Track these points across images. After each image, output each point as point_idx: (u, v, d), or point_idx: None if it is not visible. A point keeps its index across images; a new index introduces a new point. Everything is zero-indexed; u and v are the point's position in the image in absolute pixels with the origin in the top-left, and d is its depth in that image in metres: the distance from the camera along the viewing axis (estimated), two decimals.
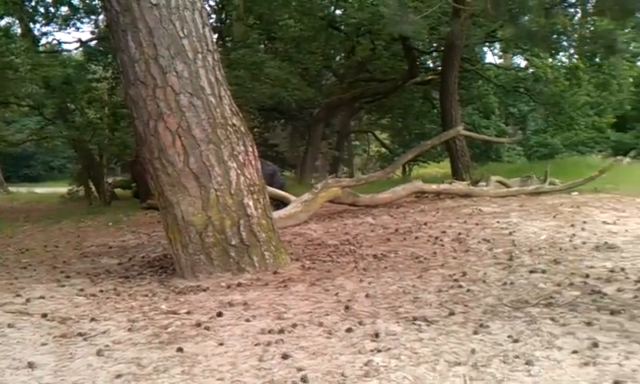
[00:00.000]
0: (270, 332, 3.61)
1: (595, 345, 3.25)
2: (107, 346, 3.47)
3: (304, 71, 20.25)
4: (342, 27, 19.22)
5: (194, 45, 5.37)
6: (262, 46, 20.29)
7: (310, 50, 20.00)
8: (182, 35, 5.31)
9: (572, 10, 14.82)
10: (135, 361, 3.21)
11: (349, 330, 3.61)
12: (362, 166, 33.00)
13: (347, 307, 4.14)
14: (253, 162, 5.63)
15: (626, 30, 17.28)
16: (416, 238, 7.16)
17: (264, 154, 16.52)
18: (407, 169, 26.16)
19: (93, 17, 19.86)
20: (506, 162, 25.56)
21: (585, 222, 7.66)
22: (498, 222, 8.03)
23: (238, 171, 5.43)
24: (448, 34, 14.06)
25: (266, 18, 18.43)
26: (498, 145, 24.66)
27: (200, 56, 5.39)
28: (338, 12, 19.67)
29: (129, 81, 5.41)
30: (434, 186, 11.10)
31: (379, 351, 3.25)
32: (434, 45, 19.23)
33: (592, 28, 14.75)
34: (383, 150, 30.42)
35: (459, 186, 11.31)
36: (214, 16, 19.62)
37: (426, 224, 8.11)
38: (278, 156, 23.41)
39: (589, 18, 14.89)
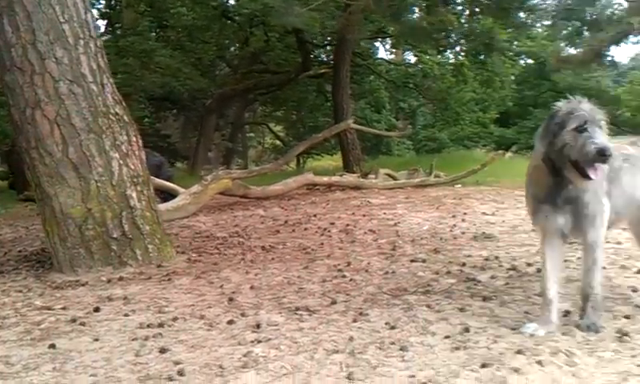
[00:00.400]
0: (148, 326, 3.54)
1: (467, 330, 3.39)
2: None
3: (197, 61, 19.92)
4: (236, 17, 19.04)
5: (75, 30, 5.15)
6: (153, 33, 19.78)
7: (204, 39, 19.70)
8: (62, 20, 5.09)
9: (459, 8, 15.45)
10: (3, 359, 3.07)
11: (230, 322, 3.60)
12: (256, 158, 32.89)
13: (231, 299, 4.13)
14: (137, 153, 5.49)
15: (509, 30, 18.19)
16: (305, 229, 7.23)
17: (155, 145, 16.19)
18: (301, 161, 26.36)
19: None
20: (396, 155, 26.24)
21: (465, 213, 8.00)
22: (384, 213, 8.24)
23: (121, 162, 5.29)
24: (339, 28, 14.25)
25: (157, 5, 17.98)
26: (388, 138, 25.27)
27: (81, 42, 5.19)
28: (231, 2, 19.48)
29: (4, 66, 5.13)
30: (325, 179, 11.25)
31: (259, 342, 3.26)
32: (328, 38, 19.41)
33: (475, 26, 15.38)
34: (278, 142, 30.48)
35: (349, 178, 11.53)
36: (103, 2, 18.95)
37: (315, 216, 8.21)
38: (169, 147, 22.92)
39: (474, 17, 15.55)
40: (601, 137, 3.13)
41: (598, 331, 3.33)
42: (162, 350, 3.11)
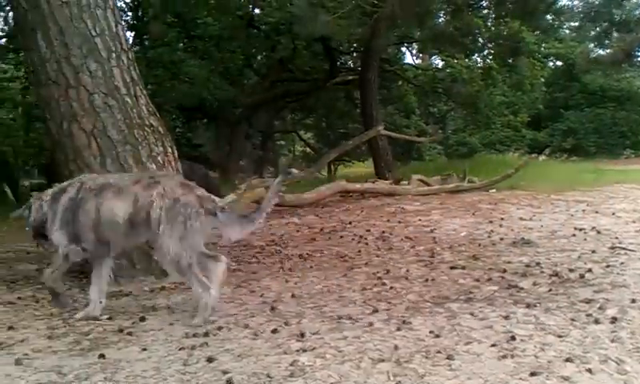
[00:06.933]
0: (194, 336, 3.55)
1: (513, 338, 3.35)
2: (26, 354, 3.34)
3: (225, 70, 20.01)
4: (262, 27, 19.13)
5: (107, 44, 5.22)
6: (181, 44, 19.93)
7: (231, 48, 19.79)
8: (94, 34, 5.15)
9: (485, 11, 15.35)
10: (56, 369, 3.10)
11: (274, 331, 3.60)
12: (287, 166, 32.90)
13: (273, 308, 4.13)
14: (173, 163, 5.52)
15: (537, 32, 17.99)
16: (341, 237, 7.22)
17: (188, 155, 16.32)
18: (332, 168, 26.34)
19: (2, 13, 18.99)
20: (428, 160, 26.06)
21: (502, 219, 7.93)
22: (419, 219, 8.20)
23: None
24: (366, 35, 14.24)
25: (184, 16, 18.09)
26: (419, 144, 25.12)
27: (114, 55, 5.24)
28: (257, 11, 19.56)
29: (40, 81, 5.23)
30: (357, 186, 11.22)
31: (305, 351, 3.25)
32: (355, 45, 19.39)
33: (502, 29, 15.26)
34: (308, 149, 30.49)
35: (382, 184, 11.49)
36: (130, 14, 19.13)
37: (350, 223, 8.19)
38: (201, 156, 23.04)
39: (501, 20, 15.43)
40: None
41: None
42: (210, 360, 3.12)
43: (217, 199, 4.20)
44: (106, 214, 3.90)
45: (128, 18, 18.65)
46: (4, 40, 19.05)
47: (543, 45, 26.62)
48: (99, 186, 4.00)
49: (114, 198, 3.91)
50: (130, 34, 18.95)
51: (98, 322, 3.96)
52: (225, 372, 2.97)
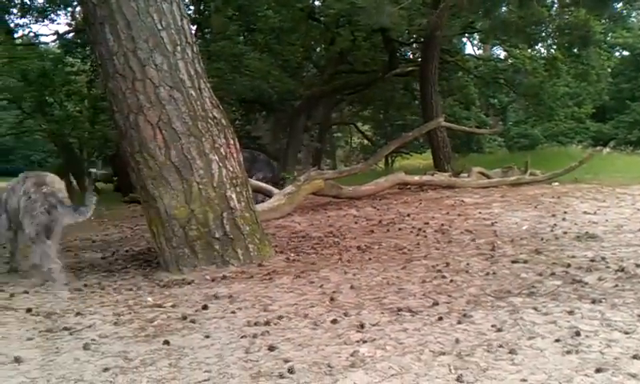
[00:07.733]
0: (255, 324, 3.61)
1: (577, 333, 3.28)
2: (93, 339, 3.45)
3: (284, 63, 20.14)
4: (322, 18, 19.14)
5: (172, 37, 5.32)
6: (242, 37, 20.15)
7: (290, 41, 19.89)
8: (160, 27, 5.27)
9: (549, 0, 15.00)
10: (122, 354, 3.20)
11: (334, 322, 3.62)
12: (344, 157, 33.03)
13: (332, 299, 4.15)
14: (235, 155, 5.62)
15: (603, 21, 17.45)
16: (399, 229, 7.19)
17: (246, 147, 16.53)
18: (390, 160, 26.25)
19: (69, 8, 19.62)
20: (488, 152, 25.71)
21: (565, 212, 7.75)
22: (480, 212, 8.10)
23: (220, 164, 5.42)
24: (427, 26, 14.11)
25: (245, 9, 18.28)
26: (479, 136, 24.77)
27: (179, 48, 5.35)
28: (317, 3, 19.60)
29: (107, 74, 5.37)
30: (416, 178, 11.15)
31: (365, 342, 3.26)
32: (414, 36, 19.22)
33: (569, 19, 14.89)
34: (365, 141, 30.46)
35: (441, 177, 11.38)
36: (192, 7, 19.46)
37: (409, 215, 8.15)
38: (260, 148, 23.29)
39: (566, 9, 15.06)
40: None
41: None
42: (271, 348, 3.17)
43: (60, 196, 5.09)
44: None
45: (190, 11, 18.98)
46: (71, 34, 19.69)
47: (610, 34, 25.85)
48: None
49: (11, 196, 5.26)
50: (192, 28, 19.29)
51: (162, 309, 4.08)
52: (286, 360, 3.01)
